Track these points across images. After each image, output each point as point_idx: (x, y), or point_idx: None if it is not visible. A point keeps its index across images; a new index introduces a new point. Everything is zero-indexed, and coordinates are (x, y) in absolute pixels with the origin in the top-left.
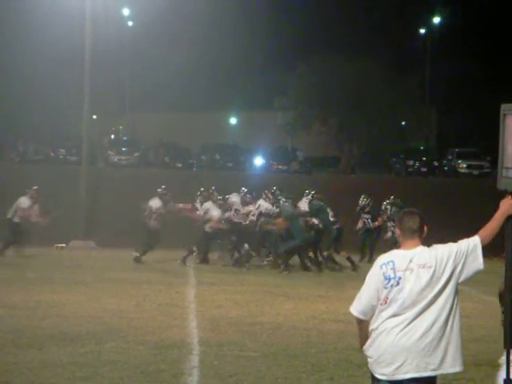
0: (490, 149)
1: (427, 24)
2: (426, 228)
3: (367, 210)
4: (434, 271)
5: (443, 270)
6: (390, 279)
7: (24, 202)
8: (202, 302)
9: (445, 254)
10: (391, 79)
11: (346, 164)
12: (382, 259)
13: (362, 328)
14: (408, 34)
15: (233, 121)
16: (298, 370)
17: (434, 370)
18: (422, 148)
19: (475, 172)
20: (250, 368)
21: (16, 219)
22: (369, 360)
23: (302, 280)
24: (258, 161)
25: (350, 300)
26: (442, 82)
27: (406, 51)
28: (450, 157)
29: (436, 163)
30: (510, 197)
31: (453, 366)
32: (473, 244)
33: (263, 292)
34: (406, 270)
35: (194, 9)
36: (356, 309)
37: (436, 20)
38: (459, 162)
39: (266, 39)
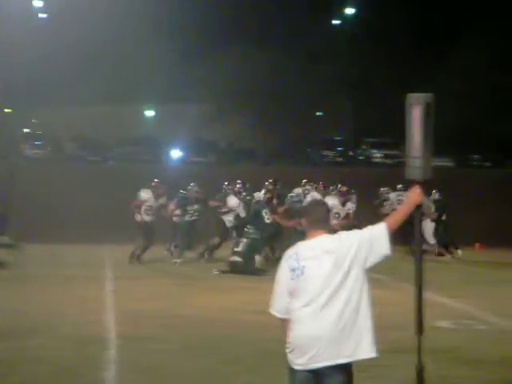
0: (404, 138)
1: (341, 15)
2: (330, 217)
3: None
4: (337, 257)
5: (345, 256)
6: (295, 270)
7: None
8: (121, 296)
9: (348, 240)
10: (306, 70)
11: (263, 155)
12: (288, 253)
13: (285, 326)
14: (323, 25)
15: (149, 113)
16: (217, 362)
17: (348, 356)
18: (337, 138)
19: (389, 161)
20: (169, 361)
21: None
22: (287, 351)
23: (223, 272)
24: (175, 153)
25: (270, 291)
26: (357, 72)
27: (321, 42)
28: (364, 147)
29: (351, 153)
30: (417, 186)
31: (367, 352)
32: (378, 230)
33: (183, 285)
34: (309, 258)
35: (110, 1)
36: (273, 308)
37: (349, 11)
38: (374, 151)
39: (180, 31)
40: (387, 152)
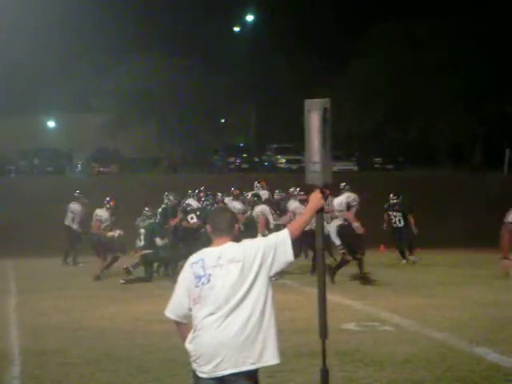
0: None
1: (241, 22)
2: (237, 226)
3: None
4: (243, 266)
5: (252, 264)
6: (200, 277)
7: None
8: (24, 310)
9: (253, 247)
10: (208, 77)
11: (168, 164)
12: (193, 258)
13: (181, 330)
14: (223, 32)
15: (51, 124)
16: (122, 374)
17: (253, 363)
18: (241, 145)
19: (294, 166)
20: (73, 375)
21: None
22: (191, 360)
23: (127, 282)
24: (79, 164)
25: None
26: (259, 79)
27: (222, 50)
28: (269, 153)
29: (257, 159)
30: (318, 191)
31: (271, 358)
32: (282, 237)
33: (87, 297)
34: (215, 266)
35: (8, 9)
36: (169, 310)
37: (249, 18)
38: (278, 157)
39: (80, 40)
40: (291, 157)
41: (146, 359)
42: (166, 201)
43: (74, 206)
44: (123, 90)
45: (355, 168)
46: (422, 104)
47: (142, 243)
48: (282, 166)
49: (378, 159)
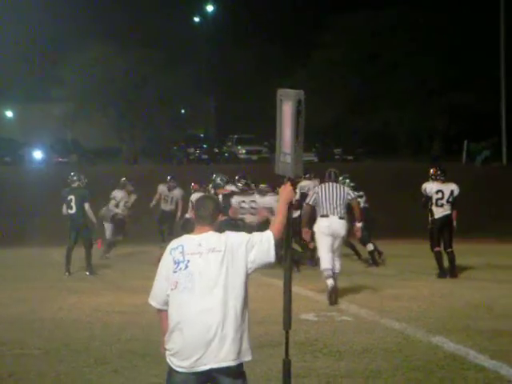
0: (267, 134)
1: (201, 12)
2: (219, 215)
3: None
4: (224, 256)
5: (233, 256)
6: (178, 263)
7: None
8: None
9: (236, 240)
10: (168, 67)
11: (128, 154)
12: (172, 244)
13: (162, 319)
14: (183, 22)
15: (8, 114)
16: (81, 365)
17: (233, 359)
18: (201, 135)
19: (254, 157)
20: (31, 366)
21: None
22: (167, 353)
23: (85, 273)
24: (38, 154)
25: (135, 291)
26: (219, 69)
27: (183, 38)
28: (229, 143)
29: (216, 150)
30: (288, 183)
31: (247, 354)
32: (266, 237)
33: (45, 287)
34: (194, 253)
35: None
36: (151, 298)
37: (209, 8)
38: (238, 147)
39: (40, 29)
40: (251, 148)
41: (104, 350)
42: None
43: (119, 193)
44: (83, 80)
45: (315, 159)
46: (383, 95)
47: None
48: (242, 156)
49: (338, 150)
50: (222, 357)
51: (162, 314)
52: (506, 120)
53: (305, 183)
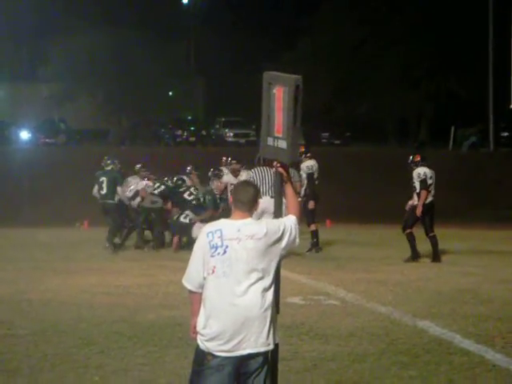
0: (255, 117)
1: None
2: (259, 202)
3: None
4: (264, 243)
5: (270, 243)
6: (216, 247)
7: None
8: None
9: (273, 228)
10: (156, 49)
11: (116, 136)
12: (210, 227)
13: (194, 300)
14: (172, 3)
15: None
16: (67, 346)
17: (269, 344)
18: (189, 118)
19: (242, 140)
20: (17, 347)
21: None
22: (201, 337)
23: (75, 253)
24: (24, 135)
25: (121, 272)
26: (207, 51)
27: (171, 20)
28: (217, 126)
29: (204, 133)
30: (277, 164)
31: (276, 338)
32: (294, 224)
33: (31, 268)
34: (233, 239)
35: None
36: (185, 279)
37: None
38: (226, 130)
39: (28, 8)
40: (239, 131)
41: (91, 331)
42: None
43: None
44: (70, 60)
45: (302, 142)
46: (371, 80)
47: None
48: (230, 139)
49: (325, 134)
50: (260, 341)
51: (194, 296)
52: (492, 106)
53: (310, 163)
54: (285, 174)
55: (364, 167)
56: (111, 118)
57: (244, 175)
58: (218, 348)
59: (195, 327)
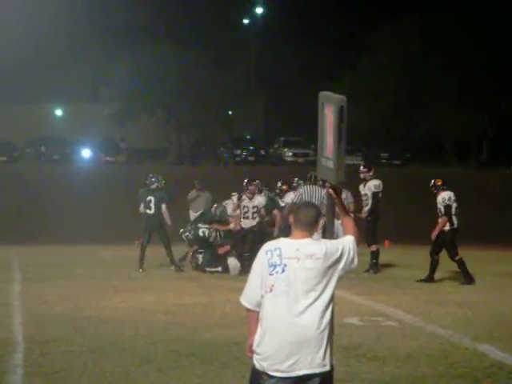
0: (314, 137)
1: (251, 14)
2: (320, 222)
3: None
4: (322, 263)
5: (328, 264)
6: (275, 266)
7: None
8: (28, 298)
9: (333, 248)
10: (217, 69)
11: (175, 154)
12: (269, 246)
13: (251, 319)
14: (233, 24)
15: (58, 112)
16: (126, 363)
17: (326, 365)
18: (248, 137)
19: (300, 160)
20: (76, 363)
21: None
22: (256, 357)
23: (131, 272)
24: (86, 153)
25: (178, 291)
26: (268, 70)
27: (232, 41)
28: (276, 145)
29: (263, 152)
30: (330, 189)
31: (333, 359)
32: (352, 245)
33: (91, 285)
34: (292, 258)
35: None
36: (244, 298)
37: (259, 10)
38: (285, 150)
39: (89, 28)
40: (298, 151)
41: (149, 349)
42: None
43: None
44: (132, 80)
45: (361, 163)
46: (431, 100)
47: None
48: (289, 159)
49: (384, 155)
50: (316, 362)
51: (252, 314)
52: None
53: (376, 182)
54: (333, 195)
55: (422, 188)
56: (171, 136)
57: (291, 195)
58: (274, 367)
59: (252, 346)
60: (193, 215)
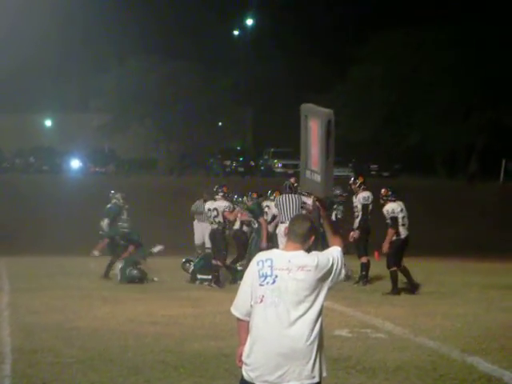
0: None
1: (241, 26)
2: (313, 237)
3: None
4: (314, 275)
5: (319, 276)
6: (266, 276)
7: None
8: (16, 309)
9: (324, 260)
10: (207, 80)
11: (164, 165)
12: (260, 256)
13: (241, 328)
14: (222, 36)
15: (48, 123)
16: (114, 375)
17: (315, 377)
18: (238, 148)
19: (290, 171)
20: (64, 374)
21: None
22: (246, 367)
23: (120, 283)
24: (75, 163)
25: (167, 301)
26: (257, 83)
27: (221, 52)
28: (266, 156)
29: (253, 163)
30: (315, 199)
31: (324, 370)
32: (340, 257)
33: (80, 296)
34: (283, 269)
35: (5, 8)
36: (234, 307)
37: (249, 22)
38: (275, 161)
39: (79, 40)
40: (288, 162)
41: (137, 361)
42: (113, 200)
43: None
44: (121, 90)
45: (351, 174)
46: (420, 112)
47: None
48: (278, 170)
49: (374, 166)
50: (305, 374)
51: (242, 324)
52: None
53: (366, 194)
54: (321, 208)
55: (412, 199)
56: (160, 147)
57: (272, 203)
58: (263, 378)
59: (241, 356)
60: (197, 226)
